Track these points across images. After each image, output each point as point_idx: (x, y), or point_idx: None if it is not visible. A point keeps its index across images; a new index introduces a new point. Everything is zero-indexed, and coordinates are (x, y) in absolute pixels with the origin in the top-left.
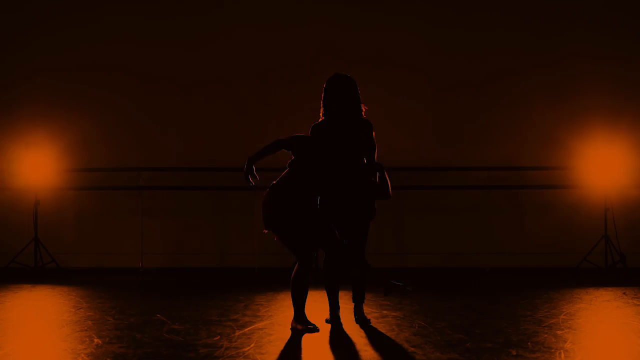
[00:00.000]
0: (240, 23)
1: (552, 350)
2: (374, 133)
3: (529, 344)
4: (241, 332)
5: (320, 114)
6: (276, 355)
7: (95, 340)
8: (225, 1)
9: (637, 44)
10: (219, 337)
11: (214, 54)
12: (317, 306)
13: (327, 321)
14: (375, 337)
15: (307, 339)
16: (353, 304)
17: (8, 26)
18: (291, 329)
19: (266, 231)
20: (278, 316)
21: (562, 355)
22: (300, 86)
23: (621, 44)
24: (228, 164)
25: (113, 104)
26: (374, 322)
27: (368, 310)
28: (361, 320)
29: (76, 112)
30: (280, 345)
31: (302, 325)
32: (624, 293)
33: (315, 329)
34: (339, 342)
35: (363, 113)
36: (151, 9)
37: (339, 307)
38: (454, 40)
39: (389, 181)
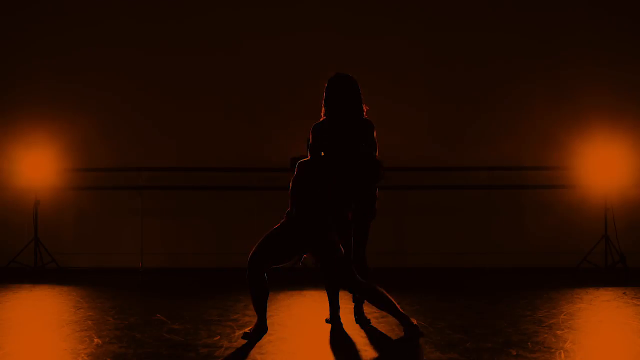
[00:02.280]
0: (242, 28)
1: (552, 350)
2: (375, 133)
3: (529, 344)
4: (241, 332)
5: (322, 114)
6: (276, 355)
7: (95, 340)
8: (226, 7)
9: (637, 46)
10: (219, 337)
11: (213, 54)
12: (317, 306)
13: (327, 321)
14: (375, 337)
15: (307, 339)
16: (353, 304)
17: (9, 26)
18: None
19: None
20: (278, 316)
21: (562, 355)
22: (301, 85)
23: (621, 46)
24: (228, 164)
25: (113, 105)
26: (374, 322)
27: (368, 310)
28: (361, 320)
29: (76, 113)
30: (281, 345)
31: None
32: (624, 293)
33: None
34: (339, 342)
35: (365, 113)
36: (153, 12)
37: (339, 307)
38: (455, 43)
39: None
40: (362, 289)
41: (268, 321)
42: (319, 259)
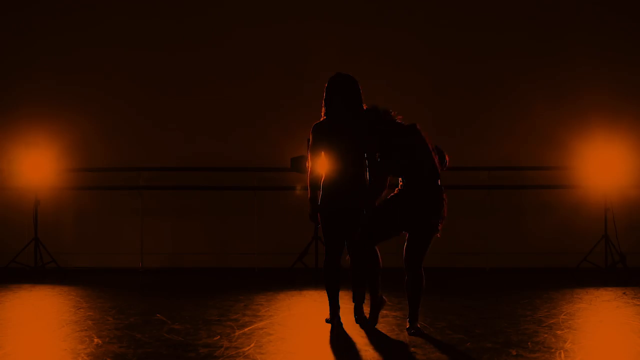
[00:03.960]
0: (239, 22)
1: (552, 350)
2: None
3: (529, 344)
4: (241, 332)
5: (322, 113)
6: (276, 355)
7: (95, 340)
8: (228, 4)
9: (637, 46)
10: (219, 337)
11: (212, 53)
12: (317, 306)
13: (327, 321)
14: (375, 337)
15: (307, 339)
16: (353, 304)
17: (9, 27)
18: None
19: None
20: (278, 316)
21: (562, 355)
22: (300, 84)
23: (620, 45)
24: (228, 164)
25: (113, 105)
26: None
27: (368, 310)
28: (361, 320)
29: (76, 113)
30: (280, 345)
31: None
32: (624, 293)
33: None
34: (339, 342)
35: None
36: (152, 11)
37: (339, 307)
38: (455, 41)
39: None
40: (419, 274)
41: (268, 321)
42: (416, 229)
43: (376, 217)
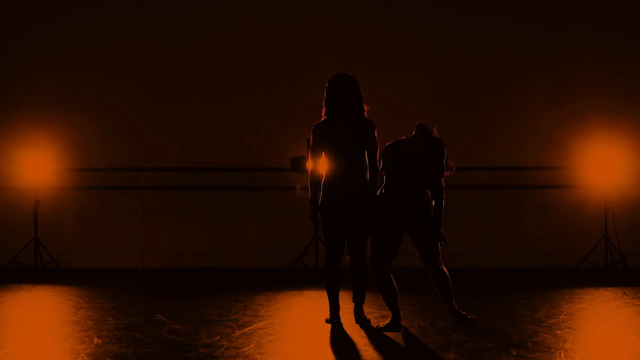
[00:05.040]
0: (239, 22)
1: (552, 350)
2: (376, 133)
3: (529, 344)
4: (241, 332)
5: (322, 114)
6: (276, 355)
7: (95, 340)
8: (230, 3)
9: (637, 47)
10: (219, 337)
11: (213, 54)
12: (317, 306)
13: (327, 321)
14: (375, 337)
15: (307, 339)
16: (353, 304)
17: (8, 26)
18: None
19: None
20: (278, 316)
21: (562, 355)
22: (299, 84)
23: (621, 46)
24: (228, 164)
25: (113, 105)
26: (374, 322)
27: (368, 310)
28: (361, 320)
29: (76, 113)
30: (280, 345)
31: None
32: (624, 293)
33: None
34: (339, 342)
35: (365, 113)
36: (149, 10)
37: (339, 307)
38: (456, 41)
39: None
40: (440, 272)
41: (268, 321)
42: (420, 236)
43: (375, 239)
